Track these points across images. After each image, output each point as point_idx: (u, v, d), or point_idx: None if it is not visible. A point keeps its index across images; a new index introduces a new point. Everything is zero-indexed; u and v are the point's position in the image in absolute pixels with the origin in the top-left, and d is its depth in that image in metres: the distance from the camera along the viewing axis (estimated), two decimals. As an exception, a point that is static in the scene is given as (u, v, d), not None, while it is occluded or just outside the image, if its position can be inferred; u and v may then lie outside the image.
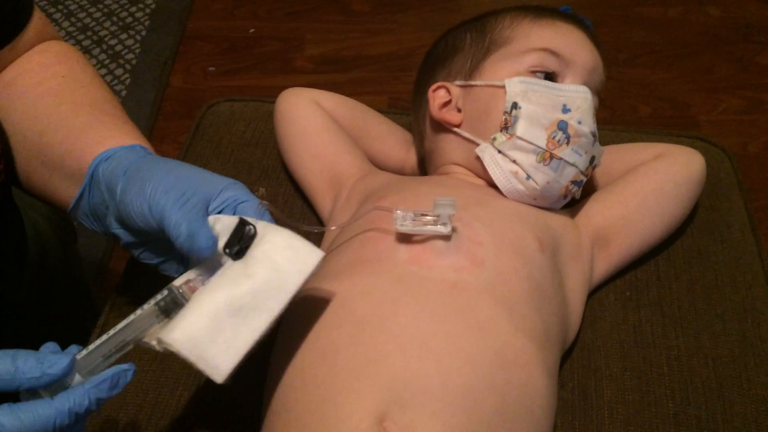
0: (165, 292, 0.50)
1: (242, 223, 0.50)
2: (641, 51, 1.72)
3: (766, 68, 1.68)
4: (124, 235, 0.57)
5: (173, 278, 0.53)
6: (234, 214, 0.53)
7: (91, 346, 0.48)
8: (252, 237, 0.50)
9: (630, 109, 1.59)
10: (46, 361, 0.44)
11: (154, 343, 0.49)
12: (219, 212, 0.53)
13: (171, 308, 0.50)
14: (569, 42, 0.70)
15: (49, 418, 0.43)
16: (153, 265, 0.60)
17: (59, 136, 0.61)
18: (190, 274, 0.52)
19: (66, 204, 0.61)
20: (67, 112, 0.63)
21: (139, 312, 0.49)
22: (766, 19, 1.78)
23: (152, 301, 0.50)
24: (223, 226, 0.52)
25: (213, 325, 0.47)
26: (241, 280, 0.49)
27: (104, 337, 0.48)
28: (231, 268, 0.50)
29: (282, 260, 0.49)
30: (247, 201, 0.54)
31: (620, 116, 1.55)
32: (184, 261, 0.58)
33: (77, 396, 0.45)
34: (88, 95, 0.65)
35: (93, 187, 0.58)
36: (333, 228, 0.66)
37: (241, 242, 0.50)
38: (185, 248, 0.50)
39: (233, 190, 0.54)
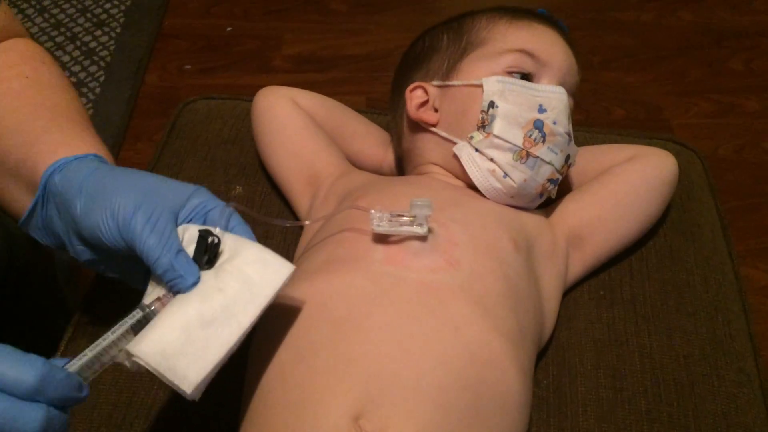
0: (138, 313, 0.49)
1: (203, 236, 0.50)
2: (615, 55, 1.73)
3: (737, 73, 1.70)
4: (84, 253, 0.55)
5: (139, 287, 0.53)
6: (204, 222, 0.53)
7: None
8: (216, 245, 0.50)
9: (604, 111, 1.60)
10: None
11: (121, 359, 0.48)
12: (188, 221, 0.53)
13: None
14: (545, 43, 0.71)
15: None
16: (116, 278, 0.58)
17: (16, 141, 0.59)
18: (158, 290, 0.51)
19: (19, 214, 0.59)
20: (26, 116, 0.60)
21: (111, 337, 0.47)
22: (737, 25, 1.81)
23: (125, 324, 0.48)
24: (192, 235, 0.51)
25: (183, 338, 0.47)
26: (211, 293, 0.49)
27: (76, 364, 0.45)
28: (201, 281, 0.50)
29: (253, 273, 0.49)
30: (215, 208, 0.54)
31: (594, 119, 1.57)
32: (149, 274, 0.57)
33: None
34: (51, 98, 0.63)
35: (47, 200, 0.56)
36: (307, 222, 0.66)
37: (207, 252, 0.50)
38: (165, 280, 0.50)
39: (198, 197, 0.54)
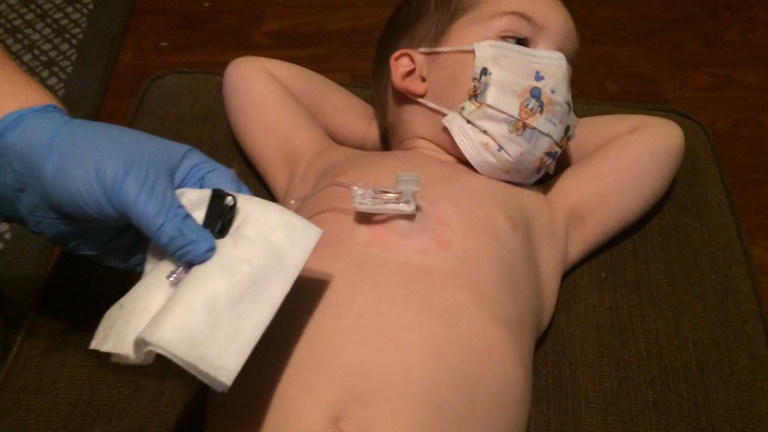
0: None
1: (218, 196, 0.44)
2: (609, 27, 1.69)
3: (733, 44, 1.66)
4: (52, 226, 0.47)
5: (117, 269, 0.47)
6: (202, 186, 0.46)
7: None
8: (232, 209, 0.44)
9: (598, 85, 1.56)
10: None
11: (125, 351, 0.41)
12: (182, 186, 0.46)
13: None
14: (542, 6, 0.66)
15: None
16: (91, 257, 0.50)
17: None
18: (163, 266, 0.44)
19: None
20: None
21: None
22: (732, -4, 1.77)
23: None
24: (190, 200, 0.45)
25: (210, 320, 0.40)
26: (236, 265, 0.42)
27: None
28: (218, 251, 0.43)
29: (280, 241, 0.43)
30: (215, 170, 0.47)
31: (588, 93, 1.52)
32: (135, 247, 0.50)
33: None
34: None
35: (1, 162, 0.46)
36: (292, 202, 0.60)
37: (222, 217, 0.44)
38: (171, 251, 0.43)
39: (193, 158, 0.47)
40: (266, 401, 0.47)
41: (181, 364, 0.39)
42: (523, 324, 0.57)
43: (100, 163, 0.42)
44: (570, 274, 0.70)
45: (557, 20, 0.66)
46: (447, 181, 0.61)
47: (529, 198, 0.65)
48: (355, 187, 0.54)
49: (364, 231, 0.55)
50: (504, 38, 0.63)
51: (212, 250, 0.43)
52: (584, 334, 0.66)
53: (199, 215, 0.44)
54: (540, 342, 0.65)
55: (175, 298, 0.41)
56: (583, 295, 0.69)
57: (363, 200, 0.54)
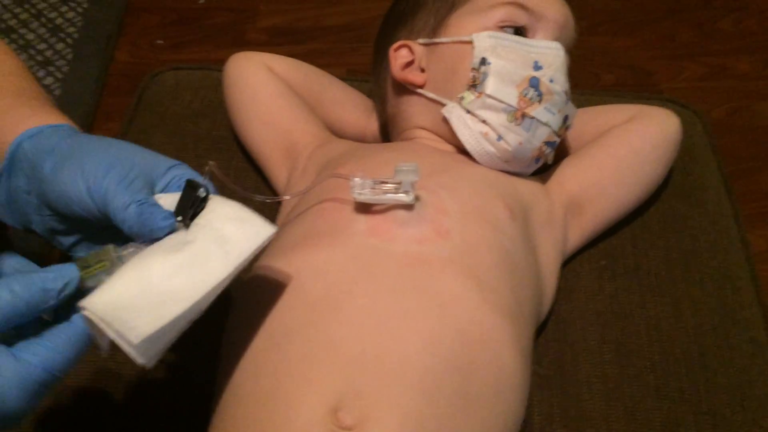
0: (103, 262, 0.44)
1: (191, 186, 0.45)
2: (602, 18, 1.69)
3: (727, 34, 1.66)
4: (47, 224, 0.50)
5: None
6: None
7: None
8: (205, 200, 0.45)
9: (593, 77, 1.56)
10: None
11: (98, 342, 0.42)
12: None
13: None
14: (539, -5, 0.65)
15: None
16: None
17: None
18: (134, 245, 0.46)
19: None
20: None
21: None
22: (726, -15, 1.76)
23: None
24: (167, 203, 0.46)
25: (138, 290, 0.41)
26: (178, 246, 0.43)
27: None
28: (173, 236, 0.44)
29: (227, 231, 0.44)
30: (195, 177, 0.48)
31: (583, 85, 1.51)
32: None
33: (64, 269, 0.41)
34: (14, 83, 0.57)
35: (14, 169, 0.50)
36: (287, 197, 0.60)
37: (193, 206, 0.45)
38: (135, 231, 0.44)
39: (179, 169, 0.49)
40: (266, 392, 0.47)
41: (102, 327, 0.41)
42: (522, 312, 0.57)
43: (87, 164, 0.45)
44: (570, 262, 0.70)
45: (554, 10, 0.66)
46: (446, 171, 0.61)
47: (528, 187, 0.65)
48: (355, 178, 0.54)
49: (363, 221, 0.55)
50: (502, 28, 0.64)
51: (170, 225, 0.44)
52: (585, 322, 0.66)
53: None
54: (541, 330, 0.65)
55: (119, 270, 0.43)
56: (583, 282, 0.69)
57: (362, 190, 0.54)
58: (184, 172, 0.48)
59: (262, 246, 0.44)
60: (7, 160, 0.50)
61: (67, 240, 0.51)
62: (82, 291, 0.42)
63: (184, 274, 0.42)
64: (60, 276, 0.41)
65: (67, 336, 0.41)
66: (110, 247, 0.43)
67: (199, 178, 0.48)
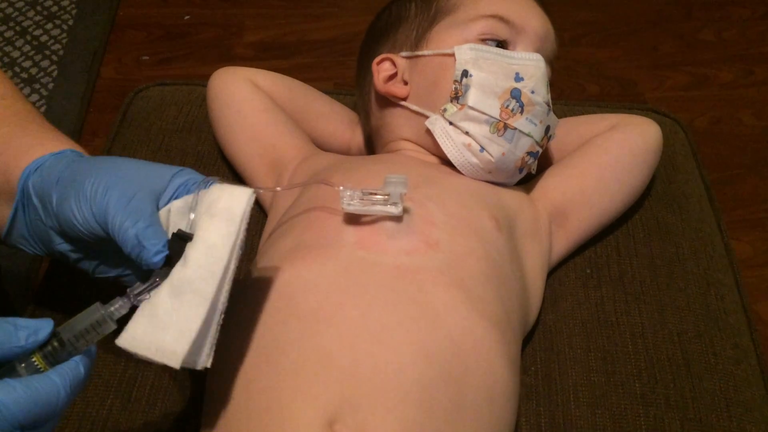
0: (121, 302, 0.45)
1: (181, 238, 0.46)
2: (586, 30, 1.71)
3: (709, 44, 1.69)
4: (69, 251, 0.51)
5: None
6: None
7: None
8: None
9: (578, 88, 1.57)
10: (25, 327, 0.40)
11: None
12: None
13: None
14: (519, 8, 0.66)
15: (52, 392, 0.39)
16: (112, 279, 0.53)
17: None
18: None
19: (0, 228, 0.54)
20: None
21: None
22: (706, -4, 1.79)
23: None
24: (177, 208, 0.48)
25: (157, 314, 0.44)
26: (177, 268, 0.45)
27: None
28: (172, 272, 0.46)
29: (211, 236, 0.45)
30: (199, 181, 0.49)
31: (568, 96, 1.53)
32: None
33: (71, 366, 0.41)
34: (11, 108, 0.58)
35: (28, 203, 0.51)
36: (278, 189, 0.60)
37: (183, 255, 0.46)
38: (134, 256, 0.45)
39: (182, 176, 0.49)
40: (260, 407, 0.47)
41: (146, 359, 0.43)
42: (510, 321, 0.57)
43: (87, 187, 0.46)
44: (555, 271, 0.70)
45: (535, 22, 0.66)
46: (431, 183, 0.62)
47: (512, 198, 0.66)
48: (343, 188, 0.54)
49: (352, 233, 0.55)
50: (483, 41, 0.64)
51: (163, 256, 0.45)
52: (571, 330, 0.67)
53: (183, 223, 0.47)
54: (528, 339, 0.65)
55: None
56: (568, 291, 0.69)
57: (351, 201, 0.54)
58: (187, 178, 0.49)
59: (248, 209, 0.46)
60: (19, 195, 0.51)
61: (90, 264, 0.52)
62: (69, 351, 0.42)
63: (187, 293, 0.44)
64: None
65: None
66: (97, 305, 0.44)
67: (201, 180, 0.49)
